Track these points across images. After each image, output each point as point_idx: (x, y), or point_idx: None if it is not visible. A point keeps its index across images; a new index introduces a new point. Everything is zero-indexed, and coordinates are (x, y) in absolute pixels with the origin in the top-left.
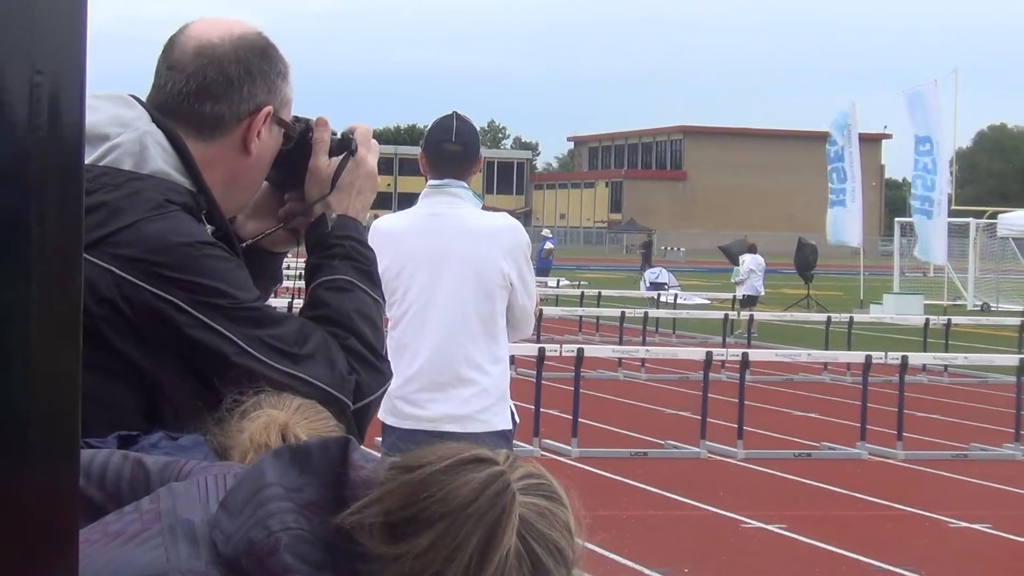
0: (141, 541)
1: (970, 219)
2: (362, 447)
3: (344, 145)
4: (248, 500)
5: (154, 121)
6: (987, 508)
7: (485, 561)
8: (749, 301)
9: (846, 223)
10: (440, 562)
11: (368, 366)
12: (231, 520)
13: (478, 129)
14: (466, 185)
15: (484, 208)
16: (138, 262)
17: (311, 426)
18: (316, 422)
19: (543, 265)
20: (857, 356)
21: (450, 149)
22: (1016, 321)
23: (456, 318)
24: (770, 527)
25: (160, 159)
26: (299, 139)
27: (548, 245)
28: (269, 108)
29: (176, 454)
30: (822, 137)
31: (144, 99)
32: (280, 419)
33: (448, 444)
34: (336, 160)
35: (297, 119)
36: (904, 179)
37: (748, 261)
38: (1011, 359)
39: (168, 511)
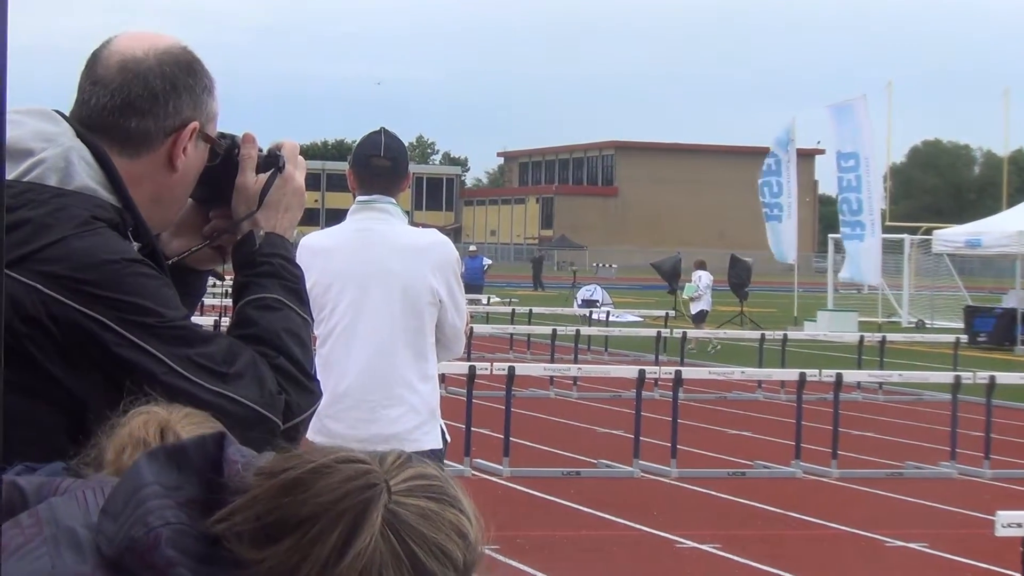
0: (24, 553)
1: (904, 235)
2: (237, 443)
3: (271, 162)
4: (127, 501)
5: (79, 136)
6: (923, 527)
7: (342, 557)
8: (701, 317)
9: (782, 239)
10: (296, 560)
11: (297, 385)
12: (112, 522)
13: (406, 145)
14: (395, 201)
15: (413, 224)
16: (64, 279)
17: (199, 431)
18: (205, 427)
19: (477, 281)
20: (791, 374)
21: (378, 164)
22: (951, 338)
23: (384, 335)
24: (704, 547)
25: (86, 175)
26: (225, 155)
27: (487, 262)
28: (195, 124)
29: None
30: (755, 153)
31: (67, 114)
32: (161, 415)
33: (320, 447)
34: (263, 177)
35: (223, 135)
36: (837, 195)
37: (704, 277)
38: (946, 376)
39: (49, 521)
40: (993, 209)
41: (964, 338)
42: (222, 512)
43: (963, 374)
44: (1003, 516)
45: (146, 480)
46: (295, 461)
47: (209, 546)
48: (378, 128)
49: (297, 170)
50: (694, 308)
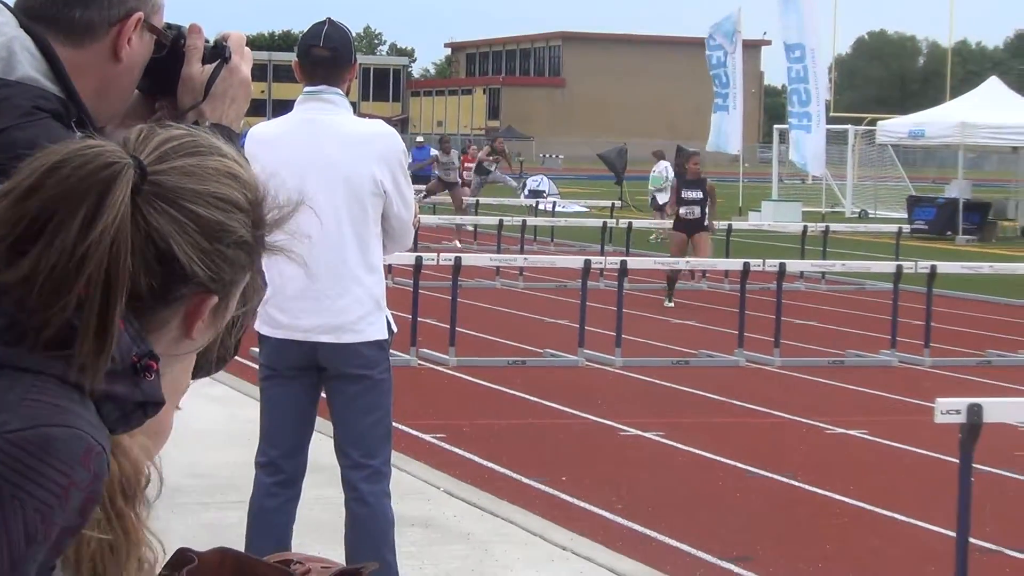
0: None
1: (848, 126)
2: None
3: (217, 52)
4: None
5: (21, 26)
6: (863, 414)
7: (85, 239)
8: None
9: (727, 130)
10: (48, 263)
11: None
12: None
13: (353, 35)
14: (341, 92)
15: (359, 115)
16: (7, 170)
17: None
18: None
19: (427, 172)
20: (735, 263)
21: (319, 54)
22: (894, 228)
23: (328, 225)
24: (648, 434)
25: (28, 65)
26: (171, 47)
27: (434, 153)
28: (140, 14)
29: None
30: (702, 44)
31: (11, 4)
32: None
33: (71, 145)
34: (209, 68)
35: (169, 26)
36: (783, 86)
37: (668, 169)
38: (888, 266)
39: None
40: (936, 100)
41: (906, 228)
42: None
43: (905, 263)
44: (942, 403)
45: None
46: (29, 167)
47: None
48: (323, 19)
49: (243, 61)
50: (661, 199)
